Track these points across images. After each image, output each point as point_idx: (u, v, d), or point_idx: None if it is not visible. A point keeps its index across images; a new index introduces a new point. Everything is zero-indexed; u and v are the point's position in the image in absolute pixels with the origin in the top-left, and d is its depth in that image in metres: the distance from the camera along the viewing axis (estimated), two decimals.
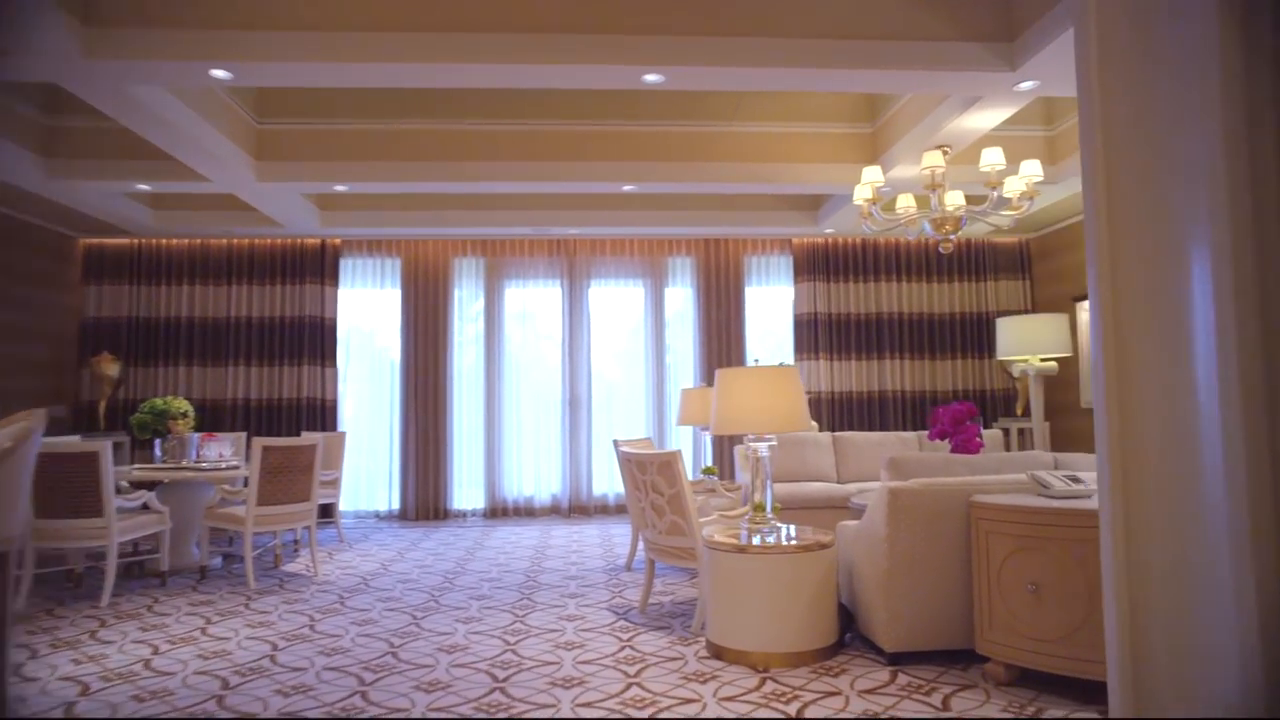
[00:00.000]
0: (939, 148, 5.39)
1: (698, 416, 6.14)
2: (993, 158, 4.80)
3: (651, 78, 4.35)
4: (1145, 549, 1.96)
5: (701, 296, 8.51)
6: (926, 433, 6.87)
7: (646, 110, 6.19)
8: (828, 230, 8.11)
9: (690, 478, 4.13)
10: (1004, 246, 8.70)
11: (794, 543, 3.38)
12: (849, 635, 3.58)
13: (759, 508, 3.56)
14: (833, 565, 3.44)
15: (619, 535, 6.90)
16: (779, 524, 3.59)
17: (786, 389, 3.48)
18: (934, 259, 8.67)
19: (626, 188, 6.47)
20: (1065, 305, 8.00)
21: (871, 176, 5.15)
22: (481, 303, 8.48)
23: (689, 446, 8.35)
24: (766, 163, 6.29)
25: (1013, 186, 5.11)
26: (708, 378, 8.23)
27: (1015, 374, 6.95)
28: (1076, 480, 3.02)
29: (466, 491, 8.36)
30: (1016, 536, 2.98)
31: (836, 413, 8.47)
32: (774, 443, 3.58)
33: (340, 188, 6.45)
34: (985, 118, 4.98)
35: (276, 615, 4.26)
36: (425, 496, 8.14)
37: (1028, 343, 6.92)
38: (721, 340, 8.44)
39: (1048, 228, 8.37)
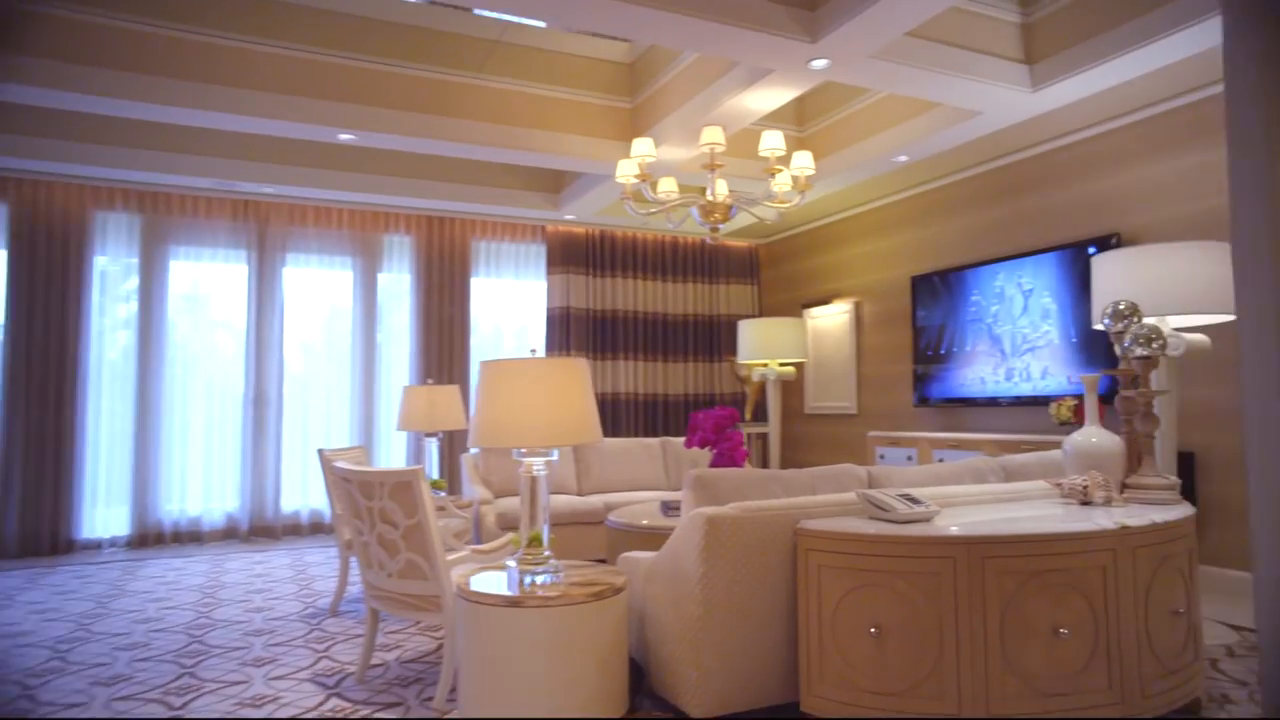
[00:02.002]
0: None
1: (423, 420, 5.11)
2: (773, 142, 4.43)
3: None
4: None
5: (422, 283, 7.40)
6: (668, 439, 6.49)
7: (376, 44, 5.03)
8: (567, 216, 7.46)
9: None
10: (735, 251, 8.72)
11: (581, 588, 2.60)
12: (638, 698, 2.88)
13: (535, 541, 2.73)
14: (625, 613, 2.72)
15: (319, 565, 5.59)
16: (555, 560, 2.79)
17: (573, 388, 2.69)
18: (670, 257, 8.42)
19: (343, 136, 5.24)
20: (793, 311, 8.16)
21: (643, 149, 4.53)
22: (136, 276, 6.57)
23: (403, 453, 7.21)
24: (513, 126, 5.45)
25: (780, 179, 4.82)
26: (427, 376, 7.16)
27: (755, 378, 6.84)
28: (915, 501, 2.60)
29: (104, 513, 6.41)
30: (856, 571, 2.48)
31: None
32: (555, 458, 2.77)
33: None
34: (768, 97, 4.62)
35: None
36: (37, 522, 6.06)
37: (768, 347, 6.85)
38: (444, 336, 7.40)
39: (777, 235, 8.51)
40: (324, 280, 7.20)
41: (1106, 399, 5.00)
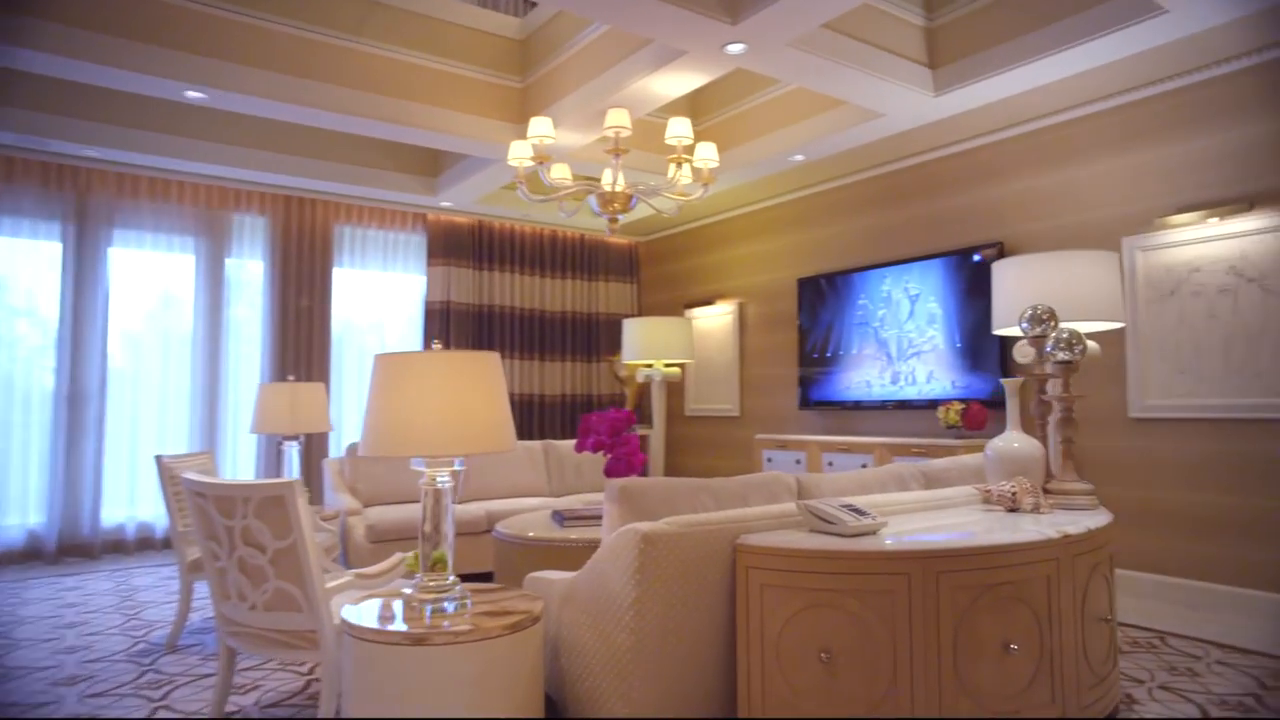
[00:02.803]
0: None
1: (283, 422, 4.53)
2: (680, 129, 4.20)
3: None
4: None
5: (278, 271, 6.66)
6: (550, 443, 6.15)
7: None
8: (444, 203, 6.95)
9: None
10: (615, 248, 8.48)
11: (495, 618, 2.24)
12: None
13: (438, 564, 2.33)
14: (542, 644, 2.38)
15: (150, 589, 4.84)
16: (459, 583, 2.40)
17: (487, 386, 2.32)
18: (548, 251, 8.06)
19: (191, 94, 4.54)
20: (675, 311, 8.01)
21: (540, 129, 4.18)
22: None
23: (252, 459, 6.46)
24: (390, 97, 4.94)
25: (683, 171, 4.60)
26: (286, 373, 6.45)
27: (639, 378, 6.61)
28: (860, 512, 2.42)
29: None
30: (805, 590, 2.26)
31: None
32: (461, 466, 2.39)
33: None
34: (677, 82, 4.38)
35: None
36: None
37: (654, 346, 6.64)
38: (301, 330, 6.70)
39: (658, 233, 8.34)
40: (160, 264, 6.32)
41: (994, 404, 5.14)
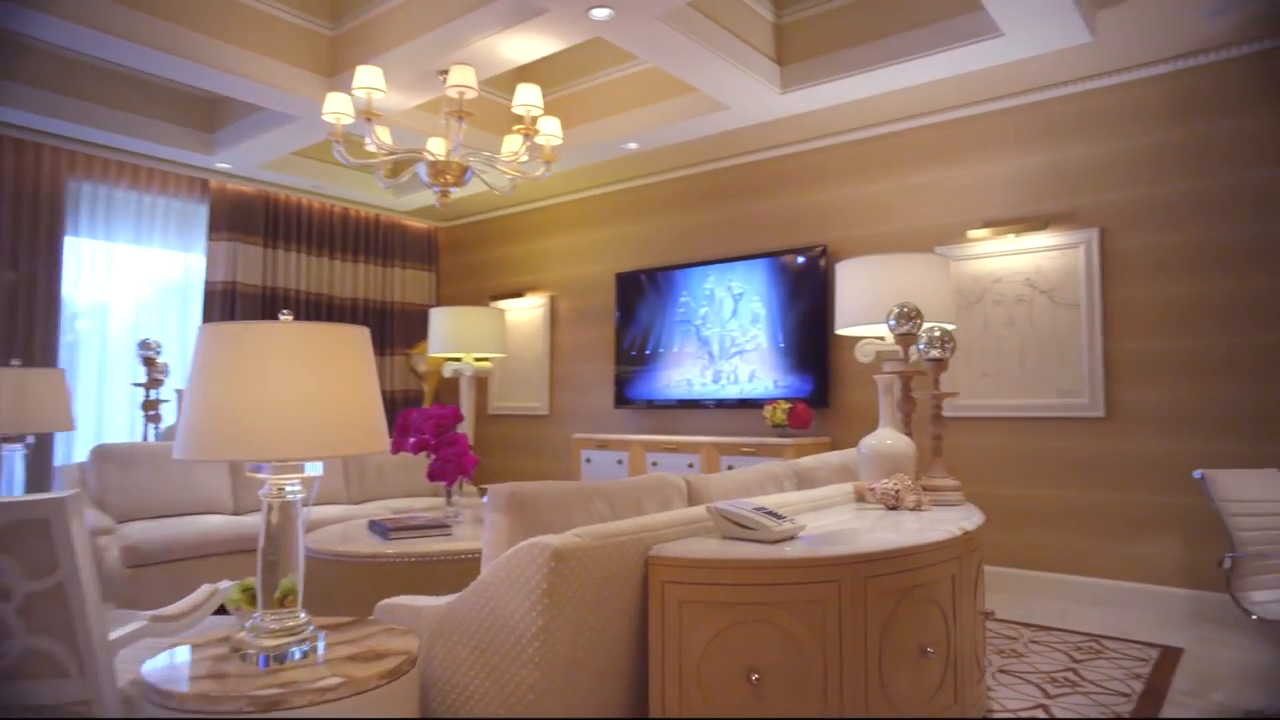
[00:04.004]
0: (443, 72, 4.15)
1: (6, 418, 3.54)
2: (529, 97, 3.83)
3: None
4: None
5: None
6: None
7: None
8: (220, 165, 5.95)
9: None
10: (412, 232, 7.80)
11: (363, 663, 1.76)
12: None
13: (286, 596, 1.79)
14: (418, 690, 1.93)
15: None
16: (312, 621, 1.88)
17: (357, 369, 1.83)
18: (339, 230, 7.23)
19: None
20: (479, 302, 7.51)
21: (368, 79, 3.60)
22: None
23: None
24: (161, 18, 4.05)
25: (510, 147, 4.23)
26: (10, 357, 5.13)
27: (447, 373, 6.06)
28: (776, 515, 2.22)
29: None
30: (729, 605, 2.01)
31: None
32: (320, 473, 1.87)
33: None
34: (529, 46, 3.97)
35: None
36: None
37: (464, 339, 6.12)
38: (19, 309, 5.39)
39: (460, 219, 7.80)
40: None
41: (816, 403, 5.26)
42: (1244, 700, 2.96)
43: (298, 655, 1.78)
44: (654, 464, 5.54)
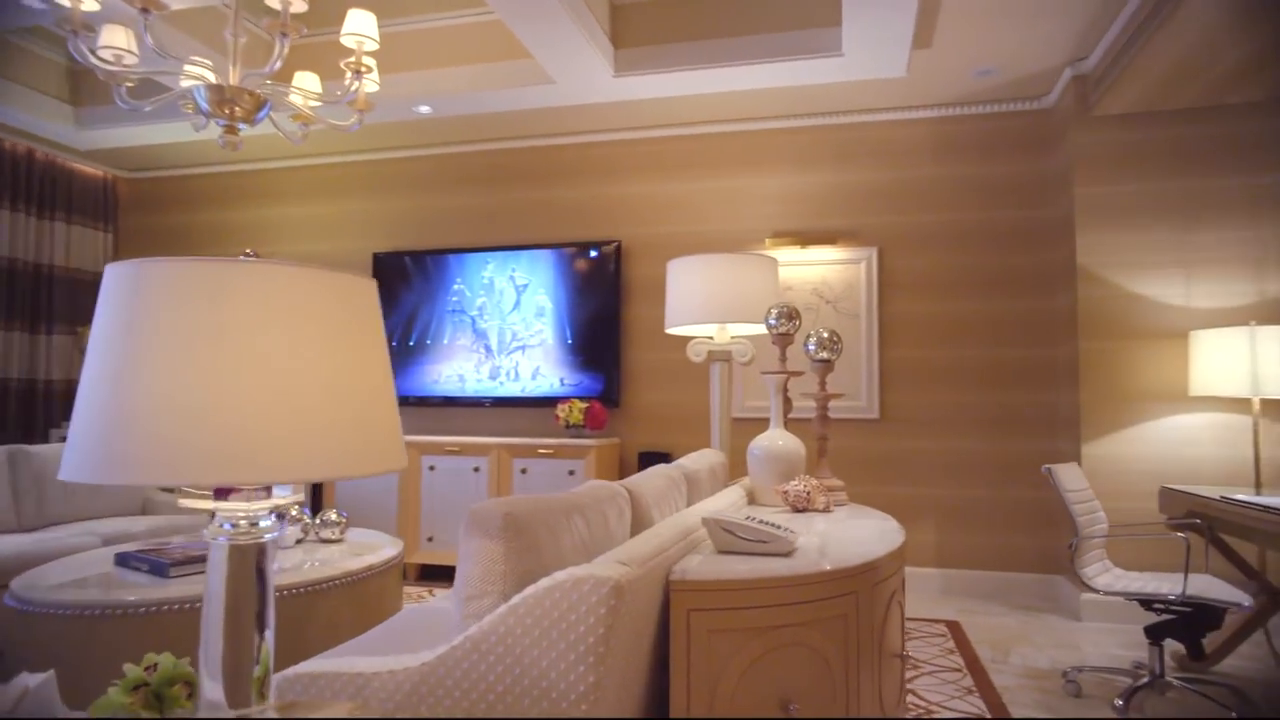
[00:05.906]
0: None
1: None
2: (362, 25, 3.16)
3: None
4: None
5: None
6: (22, 449, 4.07)
7: None
8: None
9: None
10: (81, 177, 6.16)
11: None
12: None
13: (254, 691, 1.16)
14: None
15: None
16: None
17: (372, 342, 1.28)
18: None
19: None
20: None
21: None
22: None
23: None
24: None
25: (310, 86, 3.49)
26: None
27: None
28: (777, 526, 2.03)
29: None
30: (763, 630, 1.78)
31: None
32: (300, 496, 1.26)
33: None
34: None
35: None
36: None
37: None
38: None
39: (151, 171, 6.33)
40: None
41: (607, 402, 5.11)
42: (1041, 662, 3.42)
43: None
44: (430, 467, 4.96)
